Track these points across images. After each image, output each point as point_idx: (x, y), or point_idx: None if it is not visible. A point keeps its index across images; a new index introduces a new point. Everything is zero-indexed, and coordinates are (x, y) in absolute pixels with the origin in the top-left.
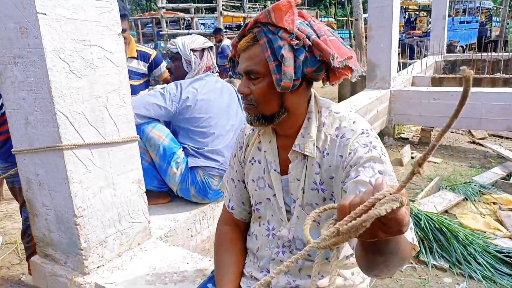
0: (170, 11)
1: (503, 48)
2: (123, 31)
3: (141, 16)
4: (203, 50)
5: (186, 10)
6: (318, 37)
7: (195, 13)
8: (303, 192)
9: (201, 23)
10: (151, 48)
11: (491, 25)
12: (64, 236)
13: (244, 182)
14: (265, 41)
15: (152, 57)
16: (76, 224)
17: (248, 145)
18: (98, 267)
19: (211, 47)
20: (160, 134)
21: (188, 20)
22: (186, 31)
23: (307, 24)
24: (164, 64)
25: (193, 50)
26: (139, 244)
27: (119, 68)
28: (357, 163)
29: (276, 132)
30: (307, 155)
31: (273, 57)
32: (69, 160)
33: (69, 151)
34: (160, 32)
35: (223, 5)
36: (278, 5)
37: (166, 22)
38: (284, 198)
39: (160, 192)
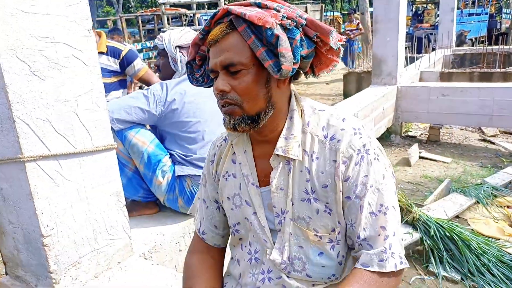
0: (171, 7)
1: None
2: None
3: (142, 13)
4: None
5: (188, 6)
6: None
7: (197, 9)
8: (292, 204)
9: (204, 19)
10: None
11: (501, 17)
12: (33, 257)
13: (217, 202)
14: (245, 26)
15: (124, 53)
16: (44, 245)
17: (221, 158)
18: None
19: None
20: (144, 140)
21: (190, 16)
22: (189, 28)
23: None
24: (139, 61)
25: (180, 47)
26: (119, 263)
27: (90, 68)
28: (357, 182)
29: (252, 140)
30: (293, 160)
31: (260, 43)
32: (33, 173)
33: (32, 163)
34: (162, 29)
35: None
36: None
37: (168, 19)
38: (267, 215)
39: (147, 202)
